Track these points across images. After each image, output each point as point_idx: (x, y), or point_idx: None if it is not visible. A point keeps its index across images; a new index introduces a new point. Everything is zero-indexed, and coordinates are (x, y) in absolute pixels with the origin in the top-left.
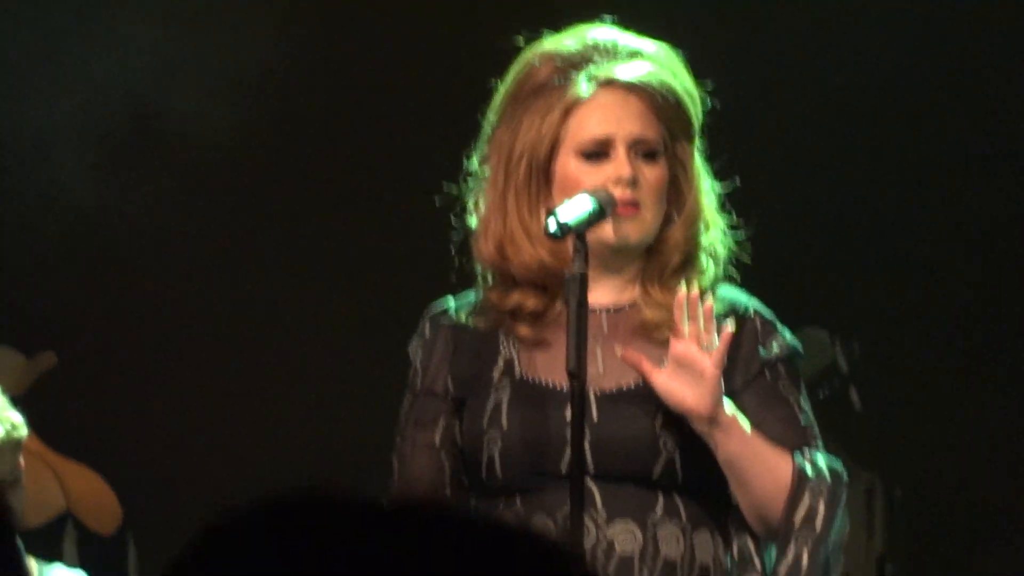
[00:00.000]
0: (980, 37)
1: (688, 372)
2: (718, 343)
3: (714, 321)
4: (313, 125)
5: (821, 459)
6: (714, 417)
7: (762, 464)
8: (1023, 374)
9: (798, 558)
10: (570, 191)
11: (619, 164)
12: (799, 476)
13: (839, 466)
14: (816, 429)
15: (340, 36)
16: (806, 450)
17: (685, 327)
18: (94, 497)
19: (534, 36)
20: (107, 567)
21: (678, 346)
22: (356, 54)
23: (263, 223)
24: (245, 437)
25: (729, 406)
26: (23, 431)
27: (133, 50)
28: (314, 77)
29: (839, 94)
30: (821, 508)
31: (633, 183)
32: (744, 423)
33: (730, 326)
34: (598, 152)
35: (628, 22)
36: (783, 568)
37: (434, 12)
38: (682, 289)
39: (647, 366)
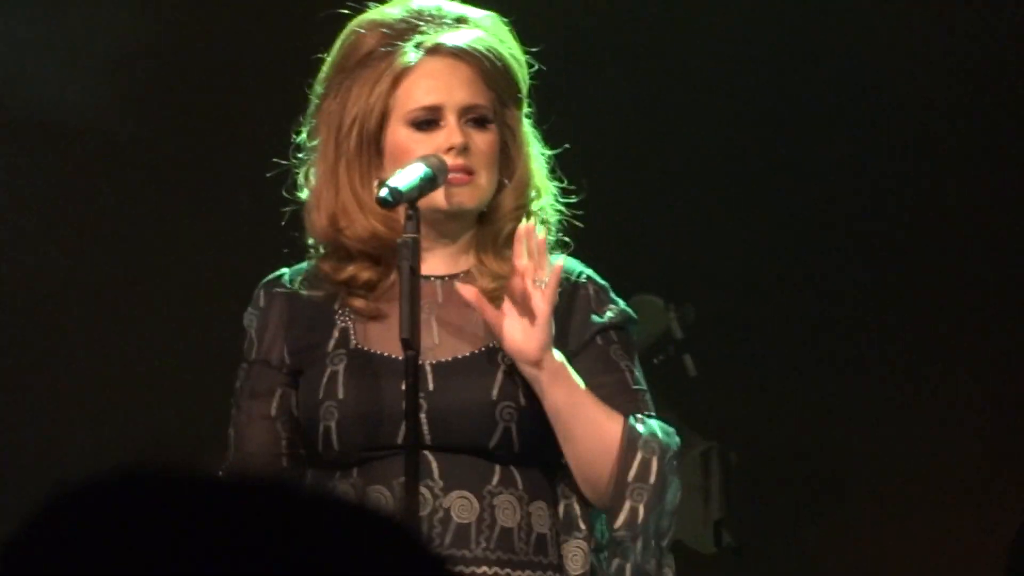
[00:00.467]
0: None
1: (521, 310)
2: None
3: (547, 256)
4: (137, 104)
5: (654, 422)
6: (540, 360)
7: (590, 419)
8: (858, 337)
9: (634, 511)
10: (401, 161)
11: (450, 132)
12: (630, 435)
13: (672, 430)
14: (648, 396)
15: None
16: (638, 415)
17: (523, 261)
18: None
19: (360, 7)
20: None
21: (514, 281)
22: (184, 31)
23: (97, 195)
24: (83, 415)
25: (559, 355)
26: None
27: None
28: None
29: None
30: (654, 464)
31: (464, 151)
32: (575, 376)
33: (560, 260)
34: (428, 120)
35: None
36: (620, 520)
37: None
38: (523, 223)
39: (482, 301)
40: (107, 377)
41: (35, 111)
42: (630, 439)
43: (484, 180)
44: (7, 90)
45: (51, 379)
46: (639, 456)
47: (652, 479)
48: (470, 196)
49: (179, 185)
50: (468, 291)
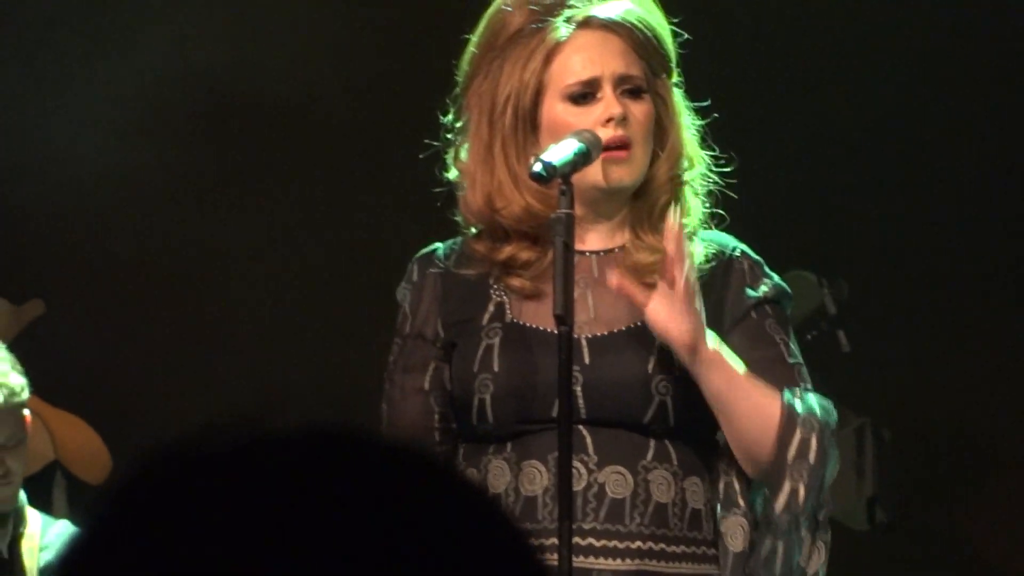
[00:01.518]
0: None
1: (673, 300)
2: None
3: (686, 245)
4: (284, 85)
5: (811, 397)
6: (695, 347)
7: (749, 400)
8: (1013, 315)
9: (794, 491)
10: (560, 135)
11: (608, 103)
12: (789, 412)
13: (829, 404)
14: (805, 370)
15: None
16: (795, 389)
17: (671, 248)
18: (83, 446)
19: None
20: None
21: (664, 266)
22: (326, 15)
23: (240, 172)
24: (237, 384)
25: (713, 340)
26: (24, 395)
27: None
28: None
29: (833, 20)
30: (814, 443)
31: (623, 121)
32: (731, 358)
33: (690, 249)
34: (585, 94)
35: None
36: (780, 502)
37: None
38: (670, 217)
39: (636, 293)
40: (265, 350)
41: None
42: (789, 417)
43: (640, 153)
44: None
45: (212, 355)
46: (798, 435)
47: (812, 457)
48: (629, 172)
49: (339, 167)
50: (613, 278)
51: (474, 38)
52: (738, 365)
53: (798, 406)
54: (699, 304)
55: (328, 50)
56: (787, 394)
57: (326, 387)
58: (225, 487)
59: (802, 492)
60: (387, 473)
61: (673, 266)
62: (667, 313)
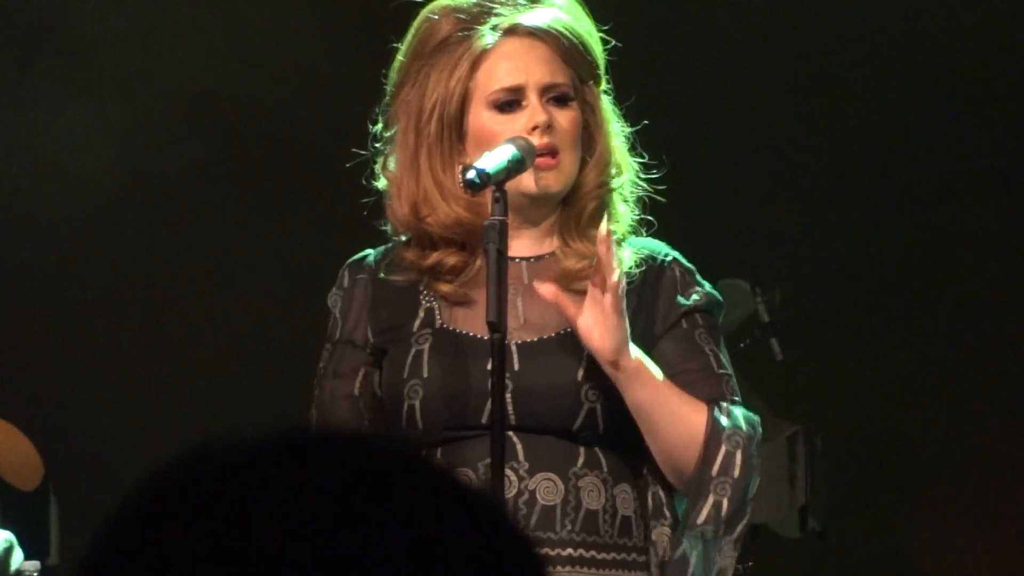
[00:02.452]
0: None
1: (601, 310)
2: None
3: (615, 253)
4: (223, 101)
5: (737, 410)
6: (617, 360)
7: (673, 413)
8: (944, 324)
9: (717, 504)
10: (485, 144)
11: (533, 111)
12: (713, 426)
13: (755, 418)
14: (734, 381)
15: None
16: (722, 402)
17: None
18: (15, 452)
19: None
20: (28, 523)
21: (593, 281)
22: (265, 25)
23: (180, 186)
24: (164, 390)
25: (635, 351)
26: None
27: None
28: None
29: (764, 23)
30: (738, 457)
31: (548, 129)
32: (654, 370)
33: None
34: (510, 101)
35: None
36: (703, 515)
37: None
38: (602, 224)
39: (565, 301)
40: (191, 355)
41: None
42: (713, 431)
43: (568, 160)
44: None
45: (141, 359)
46: (723, 449)
47: (736, 472)
48: (556, 179)
49: (263, 178)
50: (546, 289)
51: (402, 47)
52: (661, 376)
53: (723, 420)
54: (624, 316)
55: (262, 57)
56: (714, 409)
57: (258, 391)
58: (234, 494)
59: (725, 506)
60: (391, 477)
61: (603, 272)
62: (594, 323)
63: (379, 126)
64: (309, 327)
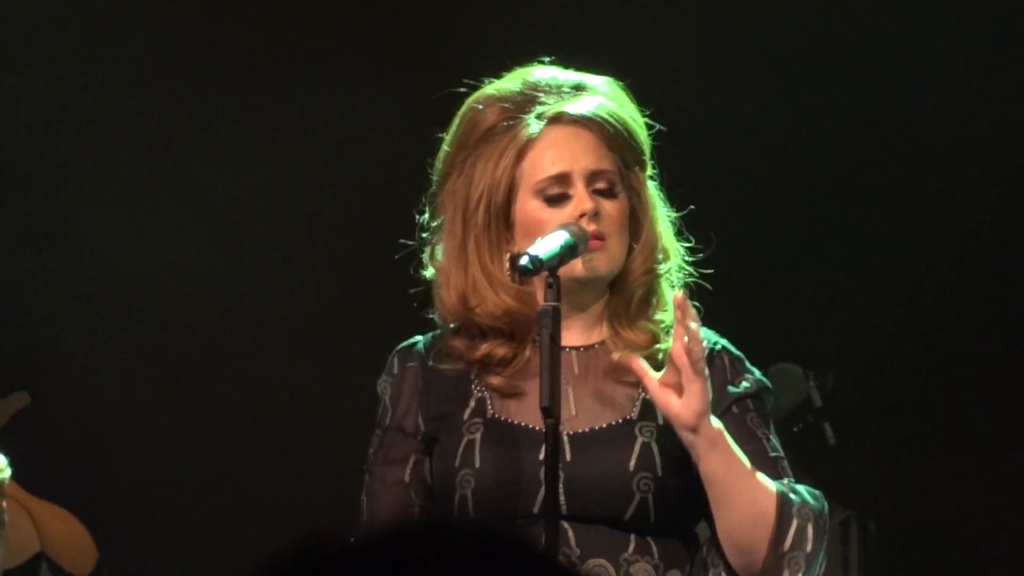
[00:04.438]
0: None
1: (678, 376)
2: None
3: (699, 324)
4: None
5: (801, 487)
6: (697, 427)
7: (745, 485)
8: (999, 408)
9: None
10: (534, 233)
11: (580, 199)
12: (783, 501)
13: (819, 493)
14: (787, 463)
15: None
16: (783, 480)
17: (684, 330)
18: (69, 538)
19: (475, 84)
20: None
21: (674, 347)
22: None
23: (237, 273)
24: (216, 476)
25: (716, 422)
26: (5, 474)
27: None
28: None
29: (804, 115)
30: (810, 531)
31: (596, 216)
32: (732, 443)
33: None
34: (558, 196)
35: (565, 61)
36: None
37: (370, 68)
38: (677, 292)
39: (641, 368)
40: (244, 444)
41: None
42: (784, 506)
43: (615, 244)
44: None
45: (195, 449)
46: (795, 523)
47: (808, 547)
48: (605, 262)
49: (317, 265)
50: (632, 360)
51: (447, 136)
52: (737, 450)
53: (792, 497)
54: (706, 380)
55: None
56: (778, 484)
57: (316, 480)
58: None
59: None
60: (506, 564)
61: (680, 337)
62: (674, 388)
63: (425, 216)
64: (361, 416)
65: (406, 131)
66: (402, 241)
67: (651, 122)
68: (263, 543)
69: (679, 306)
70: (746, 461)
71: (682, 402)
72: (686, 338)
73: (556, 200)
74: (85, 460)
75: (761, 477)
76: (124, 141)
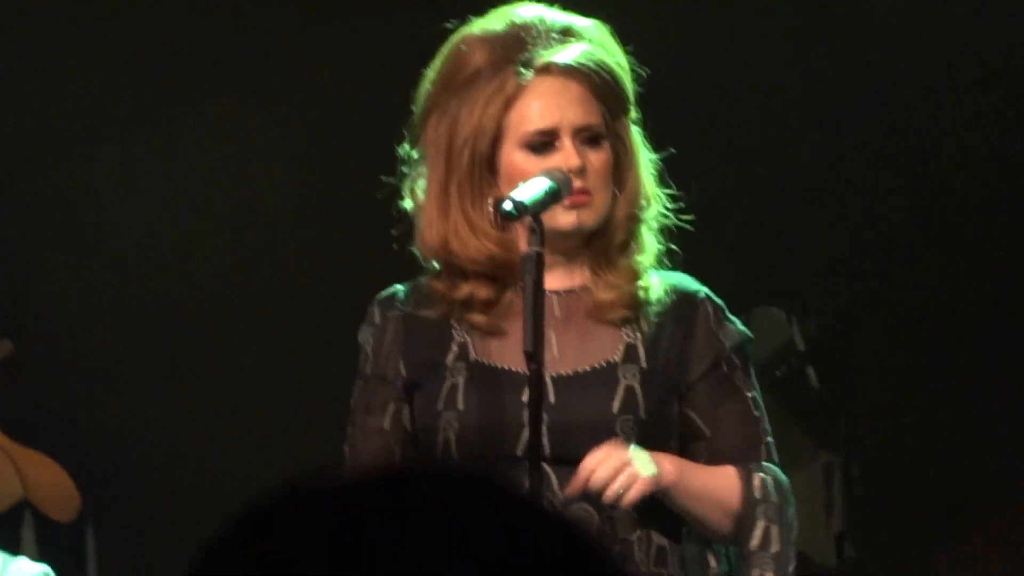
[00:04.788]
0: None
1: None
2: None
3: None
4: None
5: (768, 479)
6: (655, 488)
7: (712, 503)
8: (983, 352)
9: None
10: (518, 182)
11: (567, 155)
12: (748, 503)
13: (785, 480)
14: (766, 419)
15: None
16: (753, 471)
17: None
18: (52, 485)
19: (460, 21)
20: (66, 555)
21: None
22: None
23: (213, 216)
24: (199, 423)
25: (666, 465)
26: None
27: None
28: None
29: (787, 55)
30: (774, 532)
31: (581, 172)
32: (687, 477)
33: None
34: (544, 143)
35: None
36: None
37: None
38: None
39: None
40: (226, 391)
41: None
42: (750, 506)
43: (600, 199)
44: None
45: (177, 394)
46: (760, 525)
47: (775, 548)
48: (589, 216)
49: (291, 206)
50: (571, 491)
51: (430, 73)
52: (695, 479)
53: (756, 493)
54: (629, 467)
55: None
56: (745, 476)
57: (294, 430)
58: (337, 527)
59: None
60: (500, 511)
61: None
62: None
63: (405, 147)
64: (344, 361)
65: (394, 77)
66: (383, 178)
67: (636, 68)
68: (247, 490)
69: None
70: (705, 475)
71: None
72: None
73: (542, 151)
74: (68, 408)
75: (724, 484)
76: (112, 105)
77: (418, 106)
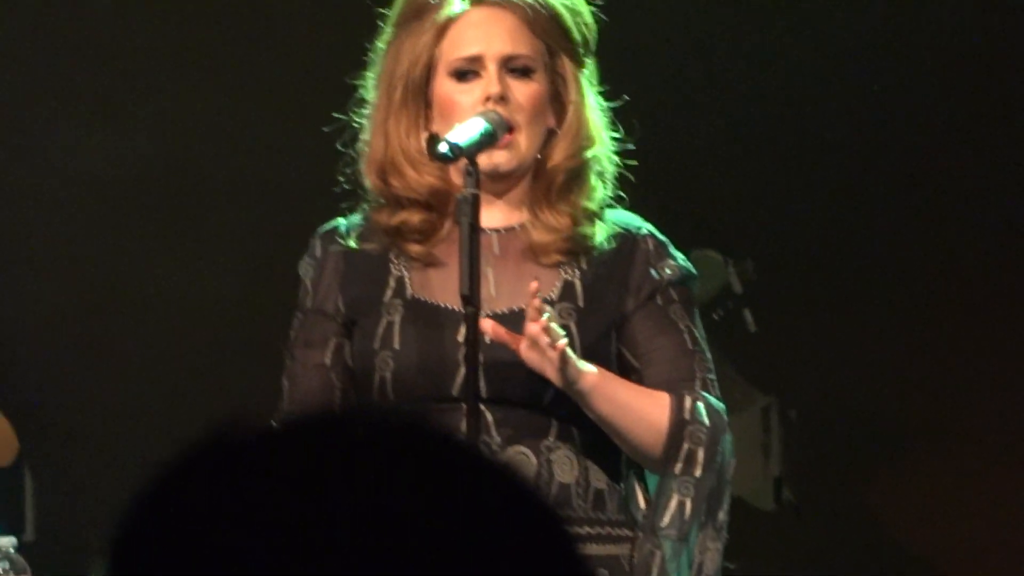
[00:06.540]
0: None
1: (539, 350)
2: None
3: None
4: (210, 56)
5: (701, 405)
6: (571, 387)
7: (636, 417)
8: (917, 294)
9: (681, 506)
10: (447, 112)
11: (488, 82)
12: (676, 424)
13: (720, 406)
14: (708, 357)
15: None
16: (687, 395)
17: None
18: None
19: None
20: (4, 498)
21: (531, 327)
22: None
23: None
24: (136, 364)
25: (588, 369)
26: None
27: None
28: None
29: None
30: (700, 455)
31: (502, 100)
32: (610, 384)
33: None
34: (468, 71)
35: None
36: (667, 516)
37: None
38: (532, 283)
39: (506, 339)
40: (162, 328)
41: None
42: (677, 428)
43: (524, 137)
44: None
45: (113, 334)
46: (685, 447)
47: (698, 471)
48: (507, 159)
49: (240, 139)
50: (486, 324)
51: (390, 14)
52: (620, 389)
53: (687, 415)
54: (565, 350)
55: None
56: (676, 402)
57: (231, 360)
58: (267, 472)
59: (688, 507)
60: (432, 458)
61: (539, 320)
62: (538, 358)
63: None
64: (279, 293)
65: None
66: (334, 114)
67: (597, 13)
68: (183, 433)
69: (532, 292)
70: (633, 391)
71: (548, 372)
72: (546, 316)
73: (465, 79)
74: (5, 351)
75: (653, 403)
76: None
77: (377, 48)
